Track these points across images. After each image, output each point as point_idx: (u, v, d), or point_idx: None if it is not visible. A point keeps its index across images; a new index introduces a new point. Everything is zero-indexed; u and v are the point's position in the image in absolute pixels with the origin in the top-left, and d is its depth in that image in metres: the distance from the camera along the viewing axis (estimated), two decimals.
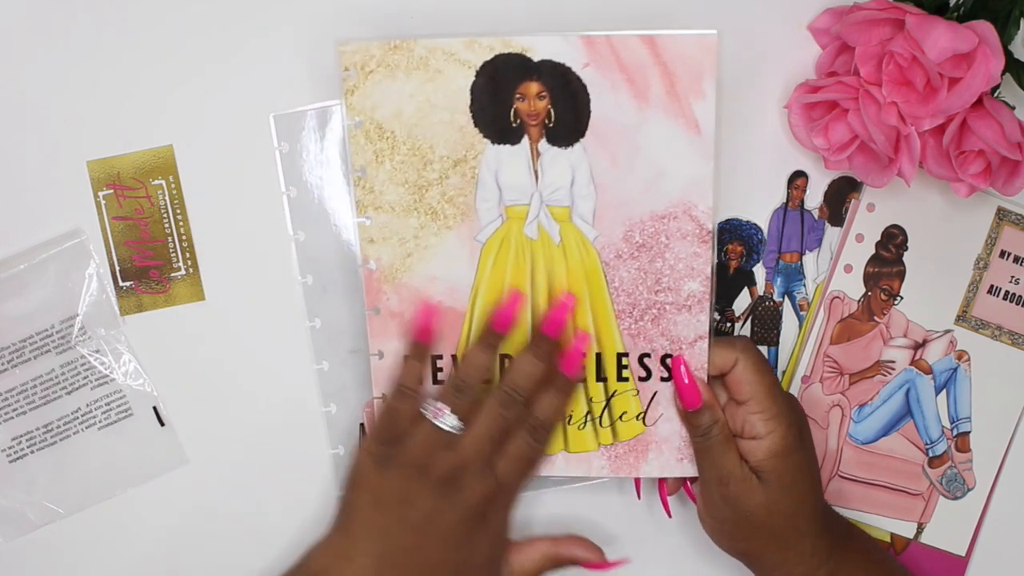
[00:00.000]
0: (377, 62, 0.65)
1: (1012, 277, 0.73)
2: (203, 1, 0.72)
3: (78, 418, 0.74)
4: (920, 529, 0.75)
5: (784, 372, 0.74)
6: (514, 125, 0.66)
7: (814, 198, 0.73)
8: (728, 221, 0.73)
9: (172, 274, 0.74)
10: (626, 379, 0.68)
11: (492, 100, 0.65)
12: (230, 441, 0.74)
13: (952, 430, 0.74)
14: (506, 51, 0.65)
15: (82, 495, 0.75)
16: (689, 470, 0.69)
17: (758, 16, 0.72)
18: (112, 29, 0.72)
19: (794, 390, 0.74)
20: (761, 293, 0.74)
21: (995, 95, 0.65)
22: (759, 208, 0.73)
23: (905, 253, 0.73)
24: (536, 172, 0.66)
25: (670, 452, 0.69)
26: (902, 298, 0.73)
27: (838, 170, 0.71)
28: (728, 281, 0.74)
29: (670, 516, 0.73)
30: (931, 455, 0.74)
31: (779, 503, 0.66)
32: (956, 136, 0.64)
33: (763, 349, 0.74)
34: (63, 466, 0.75)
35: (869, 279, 0.73)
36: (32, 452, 0.75)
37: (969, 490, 0.74)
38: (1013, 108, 0.63)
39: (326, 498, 0.75)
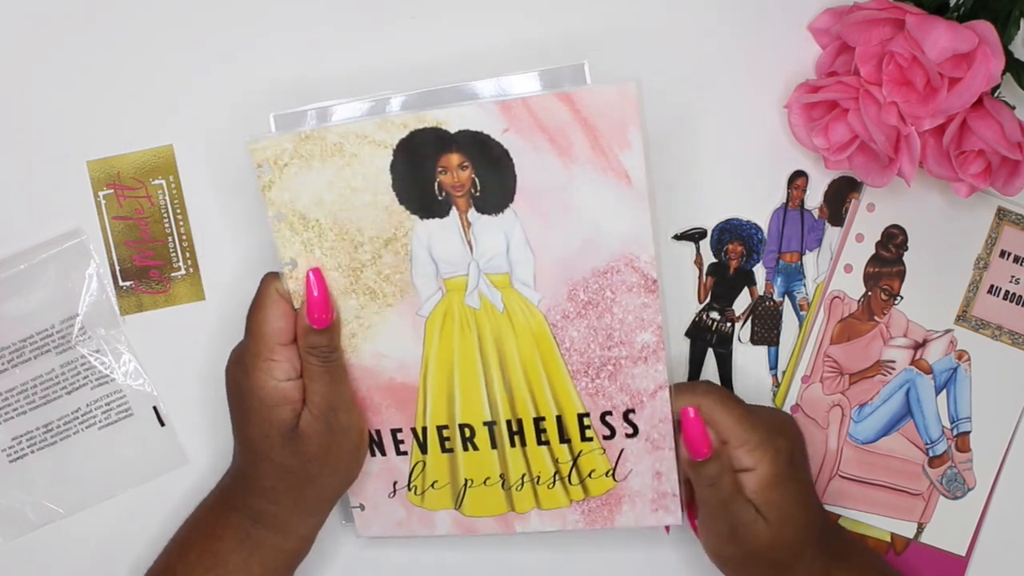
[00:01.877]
0: (290, 155, 0.64)
1: (1012, 277, 0.73)
2: (204, 2, 0.72)
3: (78, 418, 0.74)
4: (920, 529, 0.75)
5: (784, 372, 0.74)
6: (440, 198, 0.64)
7: (814, 198, 0.73)
8: (728, 221, 0.73)
9: (172, 274, 0.74)
10: (590, 439, 0.67)
11: (414, 177, 0.64)
12: (230, 441, 0.74)
13: (952, 430, 0.74)
14: (421, 127, 0.63)
15: (82, 495, 0.75)
16: (666, 519, 0.68)
17: (758, 16, 0.72)
18: (112, 29, 0.72)
19: (794, 390, 0.74)
20: (761, 293, 0.74)
21: (995, 95, 0.65)
22: (759, 208, 0.73)
23: (905, 253, 0.73)
24: (469, 242, 0.65)
25: (644, 504, 0.68)
26: (902, 298, 0.73)
27: (838, 170, 0.71)
28: (728, 281, 0.74)
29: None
30: (931, 455, 0.74)
31: (782, 536, 0.65)
32: (956, 136, 0.64)
33: (763, 349, 0.74)
34: (63, 466, 0.75)
35: (869, 279, 0.73)
36: (32, 452, 0.75)
37: (969, 490, 0.74)
38: (1013, 108, 0.63)
39: None
